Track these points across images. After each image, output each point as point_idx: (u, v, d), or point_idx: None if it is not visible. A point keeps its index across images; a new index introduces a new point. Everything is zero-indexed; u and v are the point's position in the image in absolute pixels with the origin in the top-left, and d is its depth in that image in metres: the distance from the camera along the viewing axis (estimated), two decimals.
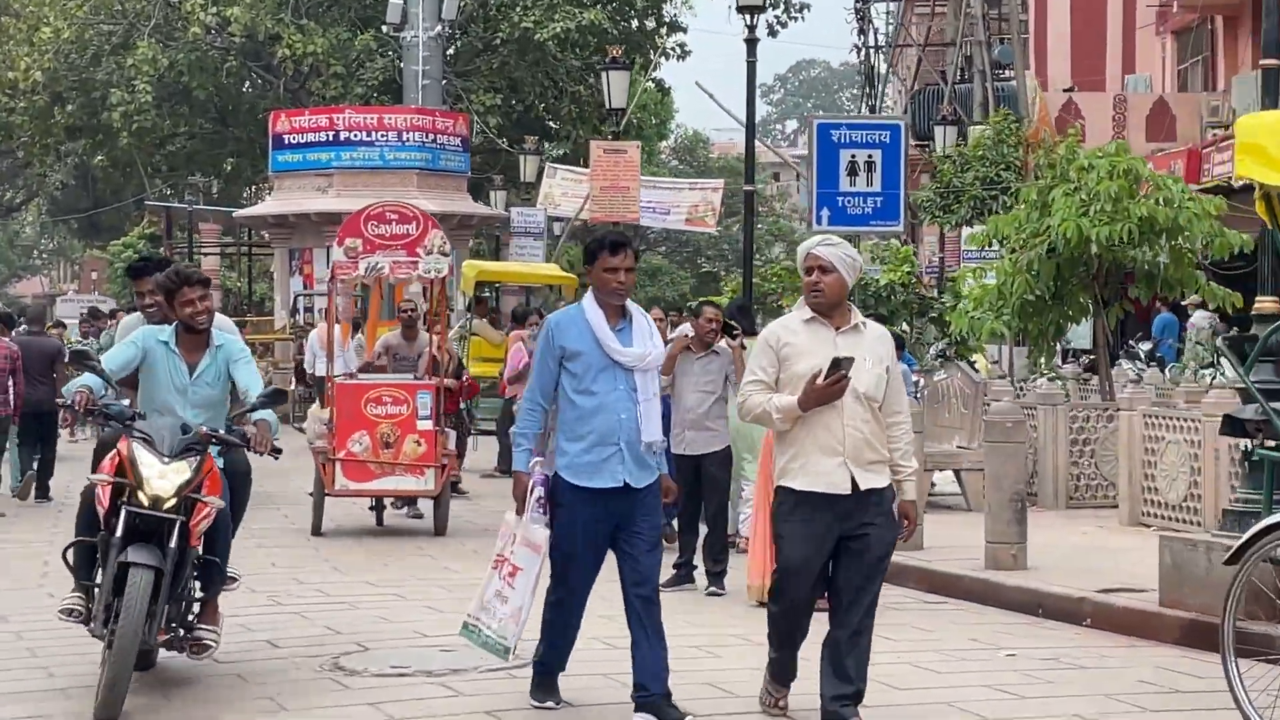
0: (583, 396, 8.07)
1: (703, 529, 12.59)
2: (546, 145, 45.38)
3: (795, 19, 41.99)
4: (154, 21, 40.47)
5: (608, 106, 25.03)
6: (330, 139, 32.87)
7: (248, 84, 43.84)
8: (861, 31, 32.98)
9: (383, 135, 32.77)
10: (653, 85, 43.68)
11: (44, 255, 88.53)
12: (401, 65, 40.16)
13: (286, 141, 33.33)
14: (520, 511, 8.15)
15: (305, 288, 32.87)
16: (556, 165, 37.67)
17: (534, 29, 38.90)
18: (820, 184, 18.93)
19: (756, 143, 22.13)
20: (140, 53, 38.90)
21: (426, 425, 14.99)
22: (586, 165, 42.23)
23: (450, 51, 39.21)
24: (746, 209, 18.61)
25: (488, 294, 26.12)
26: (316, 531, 15.20)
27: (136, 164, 45.30)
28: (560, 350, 8.10)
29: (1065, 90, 33.10)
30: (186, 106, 43.31)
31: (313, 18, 39.89)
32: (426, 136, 33.04)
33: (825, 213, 19.01)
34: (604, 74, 25.02)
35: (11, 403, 17.24)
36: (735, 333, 12.39)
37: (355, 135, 32.76)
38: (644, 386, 8.14)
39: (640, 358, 8.12)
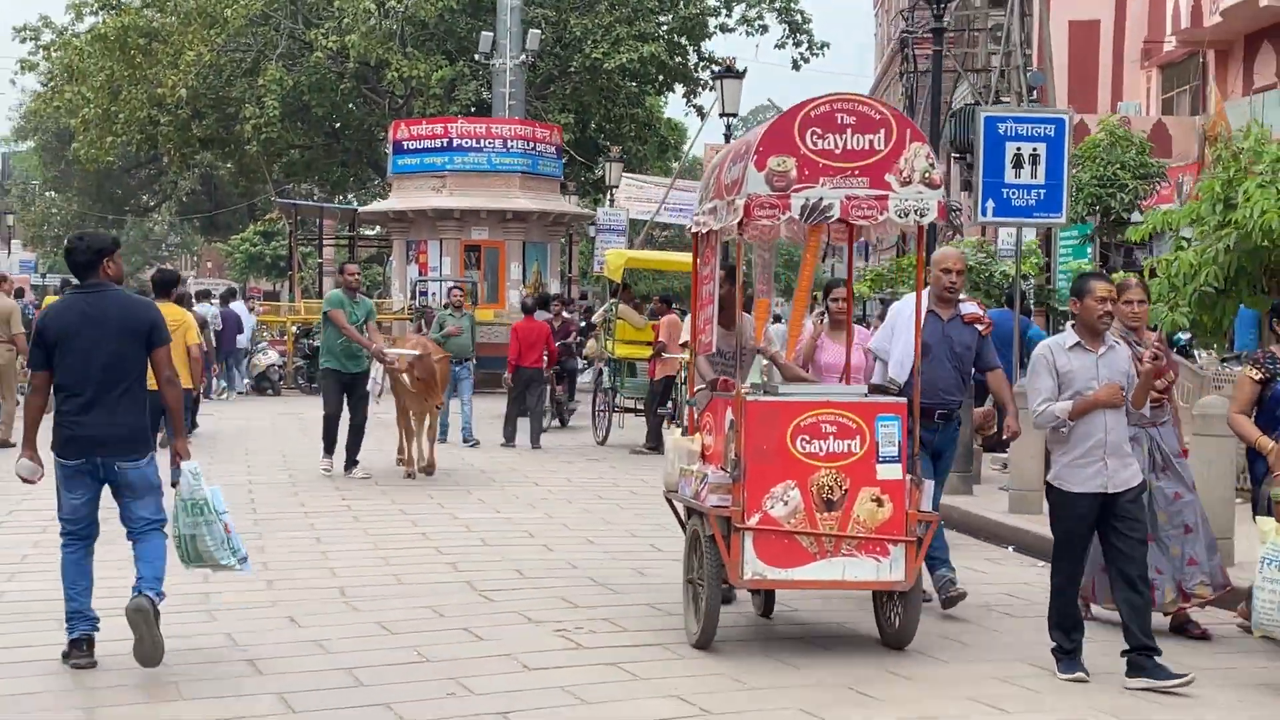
0: None
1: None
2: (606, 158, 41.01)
3: (817, 55, 37.66)
4: (280, 49, 35.79)
5: (721, 111, 20.53)
6: (444, 145, 28.34)
7: (352, 104, 38.98)
8: (905, 59, 28.62)
9: (490, 142, 28.26)
10: (695, 110, 39.05)
11: (170, 248, 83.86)
12: (487, 90, 36.15)
13: (406, 147, 28.79)
14: None
15: (420, 275, 28.38)
16: (624, 175, 33.19)
17: (603, 59, 34.54)
18: (986, 175, 14.52)
19: None
20: (269, 74, 34.31)
21: (893, 472, 7.06)
22: (645, 175, 38.31)
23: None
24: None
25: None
26: (705, 644, 7.16)
27: (260, 170, 40.53)
28: None
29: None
30: (304, 122, 38.66)
31: (416, 46, 35.29)
32: (527, 144, 28.54)
33: (990, 204, 14.54)
34: (719, 82, 20.49)
35: None
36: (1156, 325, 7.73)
37: (466, 142, 28.25)
38: None
39: None
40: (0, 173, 75.28)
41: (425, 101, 34.80)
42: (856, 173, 7.04)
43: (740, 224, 7.11)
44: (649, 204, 32.21)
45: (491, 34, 32.07)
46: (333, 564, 9.50)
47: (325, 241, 38.45)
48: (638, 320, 17.98)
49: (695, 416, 8.04)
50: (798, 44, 37.55)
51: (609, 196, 30.36)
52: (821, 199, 7.02)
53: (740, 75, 20.65)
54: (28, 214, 61.91)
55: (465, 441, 16.70)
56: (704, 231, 7.99)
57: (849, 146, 7.04)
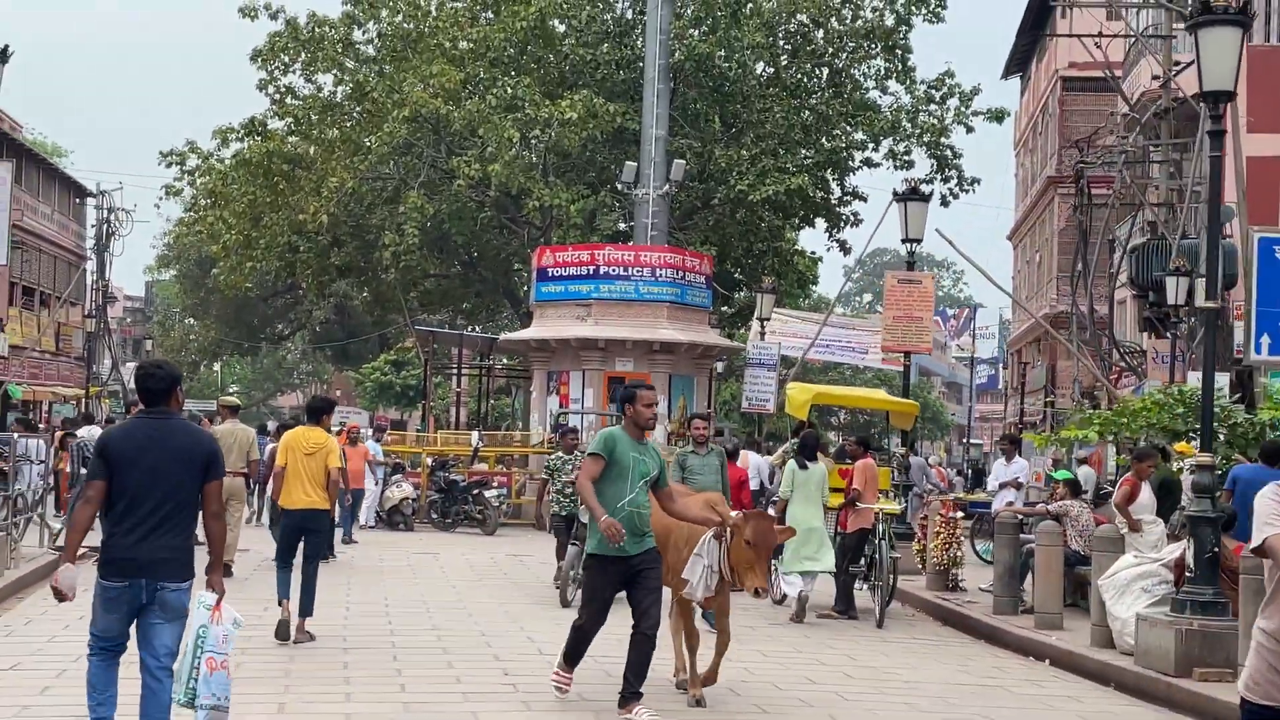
0: None
1: None
2: (742, 293, 38.77)
3: (967, 190, 35.31)
4: (421, 178, 34.28)
5: (903, 237, 18.11)
6: (591, 272, 26.24)
7: (490, 235, 37.29)
8: (1079, 192, 26.11)
9: (638, 270, 26.11)
10: (838, 245, 36.86)
11: (302, 376, 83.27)
12: (625, 221, 34.40)
13: (550, 274, 26.73)
14: None
15: (561, 406, 26.11)
16: (774, 309, 30.83)
17: (748, 191, 32.52)
18: (1261, 304, 11.94)
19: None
20: (411, 202, 32.69)
21: None
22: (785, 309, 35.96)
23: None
24: (1208, 330, 11.26)
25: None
26: None
27: (395, 299, 38.90)
28: None
29: None
30: (443, 251, 37.08)
31: (558, 176, 33.60)
32: (677, 273, 26.35)
33: (1265, 340, 12.01)
34: (902, 205, 18.09)
35: None
36: None
37: (613, 270, 26.13)
38: None
39: None
40: (144, 300, 75.39)
41: (565, 231, 32.99)
42: None
43: None
44: (795, 339, 29.79)
45: (635, 164, 30.30)
46: None
47: (468, 373, 36.36)
48: (824, 464, 15.39)
49: None
50: (946, 180, 35.32)
51: (762, 329, 28.04)
52: None
53: (925, 199, 18.25)
54: (167, 339, 61.44)
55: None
56: None
57: None
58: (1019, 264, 46.71)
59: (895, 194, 18.35)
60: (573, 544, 13.70)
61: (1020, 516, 14.54)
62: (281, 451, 11.12)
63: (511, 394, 41.17)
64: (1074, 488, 14.05)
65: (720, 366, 39.08)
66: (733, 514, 8.89)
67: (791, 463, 13.62)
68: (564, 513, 14.62)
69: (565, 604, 13.41)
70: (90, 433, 17.15)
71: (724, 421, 42.59)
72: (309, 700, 8.65)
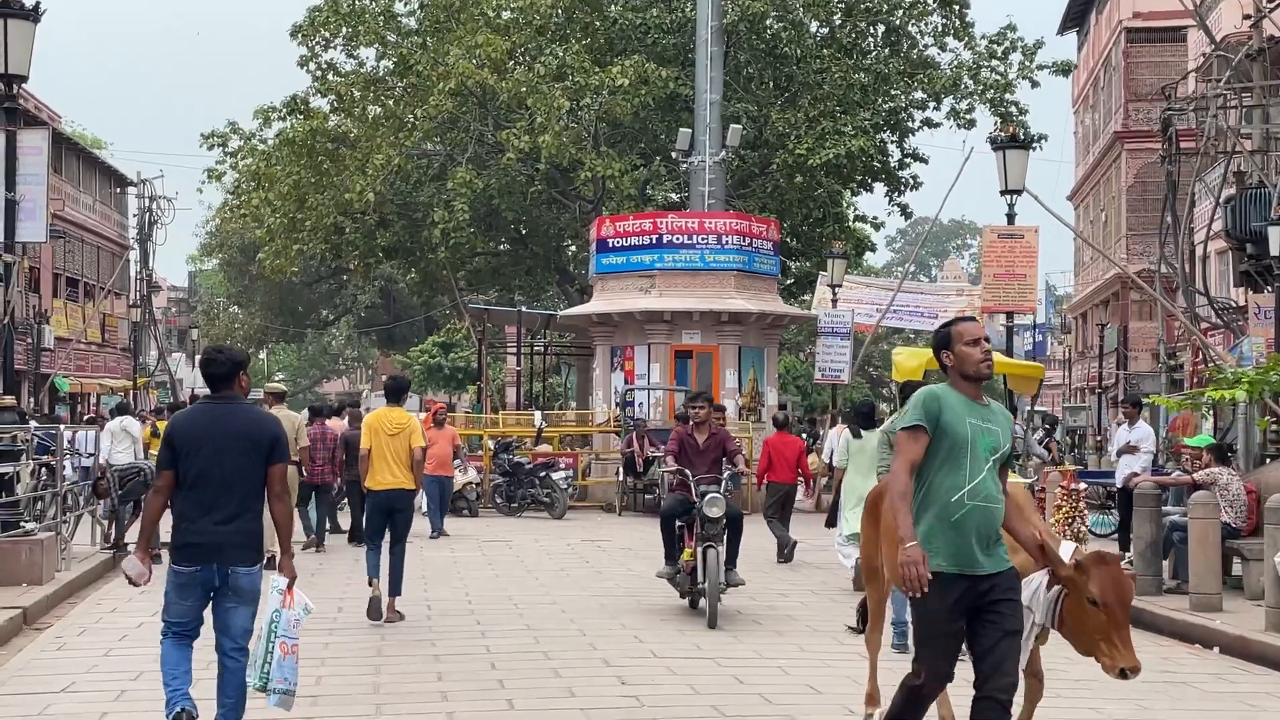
0: None
1: None
2: (797, 263, 37.29)
3: (1035, 147, 33.56)
4: (468, 153, 32.93)
5: (1002, 188, 16.61)
6: (653, 242, 24.86)
7: (539, 209, 35.94)
8: (1169, 141, 24.49)
9: (703, 238, 24.71)
10: (899, 209, 35.29)
11: (347, 361, 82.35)
12: (677, 192, 33.05)
13: (611, 245, 25.35)
14: None
15: (626, 383, 24.77)
16: (846, 275, 29.37)
17: (807, 155, 31.02)
18: None
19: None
20: (459, 177, 31.36)
21: None
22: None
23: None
24: None
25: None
26: None
27: (444, 279, 37.59)
28: None
29: None
30: (492, 227, 35.73)
31: (609, 145, 32.20)
32: (744, 240, 24.92)
33: None
34: (1000, 153, 16.59)
35: (328, 474, 16.94)
36: None
37: (677, 238, 24.74)
38: None
39: None
40: (187, 290, 74.60)
41: (618, 203, 31.58)
42: None
43: None
44: (862, 305, 28.39)
45: (690, 130, 28.88)
46: None
47: (514, 349, 35.05)
48: None
49: None
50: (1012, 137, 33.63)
51: (833, 295, 26.60)
52: None
53: (1026, 145, 16.78)
54: (212, 328, 60.59)
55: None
56: None
57: None
58: (1082, 224, 45.00)
59: (991, 141, 16.88)
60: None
61: (1159, 487, 13.09)
62: (365, 434, 11.15)
63: (562, 373, 39.77)
64: (1220, 454, 12.60)
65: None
66: (1064, 556, 5.47)
67: (846, 432, 12.92)
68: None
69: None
70: (123, 423, 15.94)
71: (790, 395, 41.19)
72: None
